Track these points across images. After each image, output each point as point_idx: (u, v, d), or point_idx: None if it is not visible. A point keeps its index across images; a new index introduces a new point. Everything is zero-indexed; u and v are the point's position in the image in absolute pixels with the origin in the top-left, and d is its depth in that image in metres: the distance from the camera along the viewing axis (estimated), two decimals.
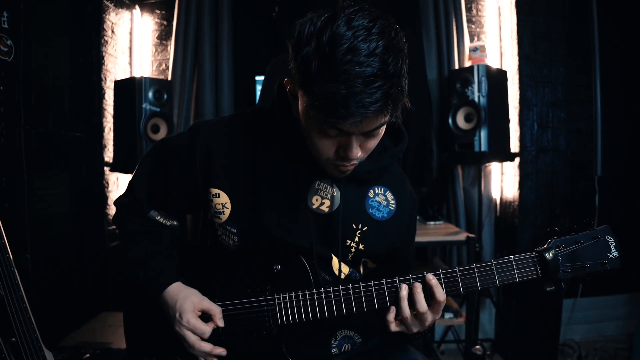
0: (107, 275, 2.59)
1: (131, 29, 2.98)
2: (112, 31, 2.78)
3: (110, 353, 1.94)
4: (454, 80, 2.66)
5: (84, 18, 2.49)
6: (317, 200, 1.03)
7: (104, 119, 2.70)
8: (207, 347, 0.98)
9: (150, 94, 2.55)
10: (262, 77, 2.59)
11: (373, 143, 0.91)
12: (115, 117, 2.70)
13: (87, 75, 2.54)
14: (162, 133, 2.59)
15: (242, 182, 1.02)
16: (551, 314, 2.76)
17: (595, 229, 0.90)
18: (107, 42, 2.71)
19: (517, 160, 2.80)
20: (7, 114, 1.83)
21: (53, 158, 2.17)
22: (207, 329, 0.98)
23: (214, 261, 1.11)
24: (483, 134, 2.55)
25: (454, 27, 2.86)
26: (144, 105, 2.54)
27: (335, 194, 1.03)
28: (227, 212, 1.03)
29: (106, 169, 2.69)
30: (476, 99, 2.55)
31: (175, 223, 1.15)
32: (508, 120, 2.75)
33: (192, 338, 0.98)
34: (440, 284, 0.92)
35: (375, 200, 1.07)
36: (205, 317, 1.00)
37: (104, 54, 2.67)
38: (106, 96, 2.71)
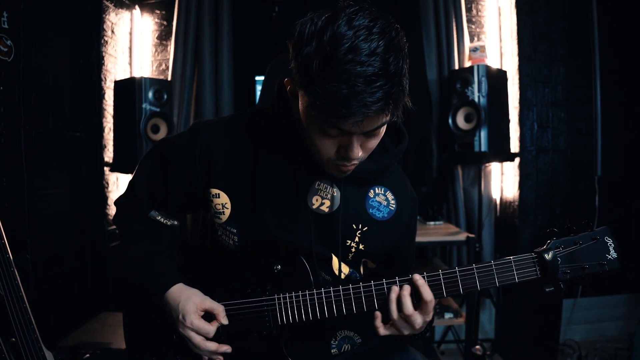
0: (107, 275, 2.59)
1: (131, 29, 2.98)
2: (112, 31, 2.78)
3: (110, 353, 1.94)
4: (454, 80, 2.66)
5: (84, 18, 2.49)
6: (317, 200, 1.03)
7: (104, 119, 2.70)
8: (212, 346, 0.98)
9: (150, 94, 2.56)
10: (262, 77, 2.59)
11: (374, 143, 0.91)
12: (115, 117, 2.70)
13: (87, 76, 2.54)
14: (162, 133, 2.59)
15: (242, 182, 1.02)
16: (551, 314, 2.77)
17: (594, 230, 0.90)
18: (107, 42, 2.71)
19: (517, 160, 2.80)
20: (7, 114, 1.83)
21: (53, 158, 2.17)
22: (211, 328, 0.98)
23: (214, 261, 1.12)
24: (483, 134, 2.55)
25: (454, 27, 2.86)
26: (144, 106, 2.54)
27: (335, 194, 1.03)
28: (227, 212, 1.03)
29: (106, 169, 2.69)
30: (476, 99, 2.55)
31: (175, 223, 1.15)
32: (508, 120, 2.75)
33: (197, 339, 0.98)
34: (440, 283, 0.92)
35: (376, 200, 1.07)
36: (208, 316, 1.00)
37: (104, 54, 2.67)
38: (106, 96, 2.71)
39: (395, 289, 0.92)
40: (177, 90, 2.87)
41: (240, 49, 2.97)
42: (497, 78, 2.66)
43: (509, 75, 2.79)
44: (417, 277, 0.92)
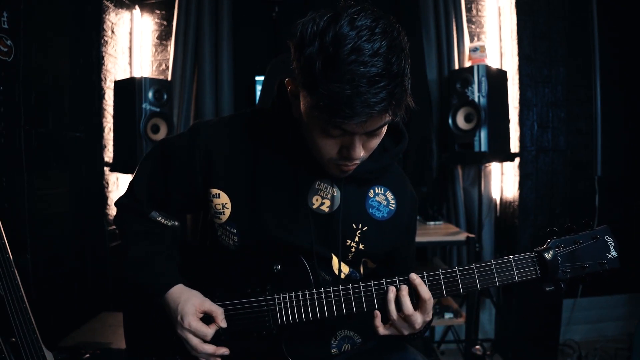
0: (107, 275, 2.59)
1: (131, 29, 2.98)
2: (112, 31, 2.78)
3: (110, 353, 1.94)
4: (454, 80, 2.66)
5: (84, 18, 2.49)
6: (317, 200, 1.03)
7: (104, 119, 2.70)
8: (210, 348, 0.98)
9: (150, 94, 2.56)
10: (262, 77, 2.59)
11: (375, 142, 0.91)
12: (115, 117, 2.70)
13: (87, 76, 2.54)
14: (162, 133, 2.59)
15: (242, 182, 1.02)
16: (551, 314, 2.76)
17: (595, 229, 0.90)
18: (107, 42, 2.71)
19: (517, 160, 2.80)
20: (7, 114, 1.83)
21: (53, 158, 2.17)
22: (208, 331, 0.98)
23: (214, 261, 1.11)
24: (483, 134, 2.55)
25: (454, 27, 2.86)
26: (144, 106, 2.54)
27: (335, 193, 1.03)
28: (228, 212, 1.03)
29: (106, 169, 2.69)
30: (476, 99, 2.55)
31: (176, 223, 1.15)
32: (508, 120, 2.75)
33: (194, 341, 0.98)
34: (440, 282, 0.92)
35: (376, 200, 1.07)
36: (207, 318, 1.00)
37: (104, 54, 2.67)
38: (106, 96, 2.71)
39: (392, 289, 0.92)
40: (177, 90, 2.87)
41: (240, 49, 2.98)
42: (497, 78, 2.66)
43: (509, 75, 2.79)
44: (414, 277, 0.92)
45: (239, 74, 2.96)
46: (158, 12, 3.03)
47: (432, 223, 2.70)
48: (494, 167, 2.97)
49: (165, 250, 1.09)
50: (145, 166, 1.12)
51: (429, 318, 0.94)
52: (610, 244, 0.89)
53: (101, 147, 2.67)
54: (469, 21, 3.00)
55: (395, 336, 0.96)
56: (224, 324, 1.00)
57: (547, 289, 0.90)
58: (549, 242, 0.90)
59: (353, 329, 1.12)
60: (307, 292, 0.97)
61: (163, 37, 3.03)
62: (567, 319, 2.94)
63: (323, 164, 0.95)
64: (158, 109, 2.59)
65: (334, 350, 1.11)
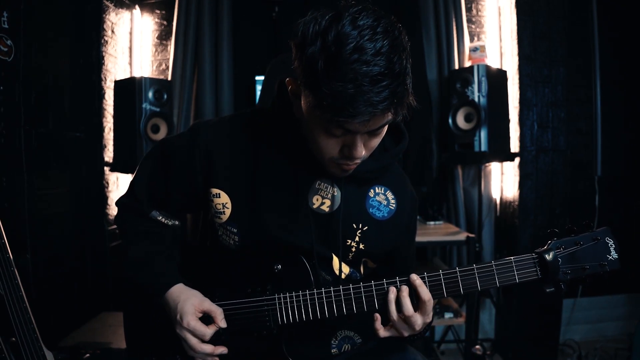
0: (107, 275, 2.59)
1: (131, 29, 2.98)
2: (112, 31, 2.78)
3: (110, 353, 1.94)
4: (454, 80, 2.66)
5: (84, 18, 2.49)
6: (317, 200, 1.03)
7: (104, 119, 2.70)
8: (207, 348, 0.98)
9: (150, 94, 2.56)
10: (262, 77, 2.59)
11: (376, 141, 0.91)
12: (115, 117, 2.70)
13: (87, 75, 2.54)
14: (162, 133, 2.59)
15: (242, 182, 1.02)
16: (551, 314, 2.76)
17: (595, 231, 0.90)
18: (107, 42, 2.71)
19: (517, 160, 2.80)
20: (7, 114, 1.83)
21: (53, 158, 2.17)
22: (207, 331, 0.98)
23: (214, 261, 1.11)
24: (483, 134, 2.55)
25: (454, 27, 2.86)
26: (144, 105, 2.54)
27: (335, 193, 1.03)
28: (228, 212, 1.03)
29: (106, 169, 2.69)
30: (476, 99, 2.55)
31: (176, 223, 1.15)
32: (508, 120, 2.75)
33: (192, 340, 0.97)
34: (441, 283, 0.92)
35: (376, 200, 1.07)
36: (207, 318, 1.00)
37: (104, 54, 2.67)
38: (106, 96, 2.71)
39: (393, 290, 0.92)
40: (177, 90, 2.87)
41: (240, 49, 2.98)
42: (497, 78, 2.66)
43: (509, 75, 2.79)
44: (415, 277, 0.92)
45: (239, 74, 2.96)
46: (158, 12, 3.03)
47: (432, 223, 2.70)
48: (494, 167, 2.97)
49: (165, 250, 1.09)
50: (145, 166, 1.12)
51: (429, 319, 0.94)
52: (611, 245, 0.89)
53: (101, 147, 2.67)
54: (469, 21, 3.00)
55: (395, 337, 0.96)
56: (223, 324, 0.99)
57: (548, 290, 0.90)
58: (550, 243, 0.90)
59: (353, 329, 1.12)
60: (307, 292, 0.97)
61: (163, 37, 3.03)
62: (567, 319, 2.94)
63: (324, 163, 0.95)
64: (158, 109, 2.59)
65: (334, 350, 1.11)
